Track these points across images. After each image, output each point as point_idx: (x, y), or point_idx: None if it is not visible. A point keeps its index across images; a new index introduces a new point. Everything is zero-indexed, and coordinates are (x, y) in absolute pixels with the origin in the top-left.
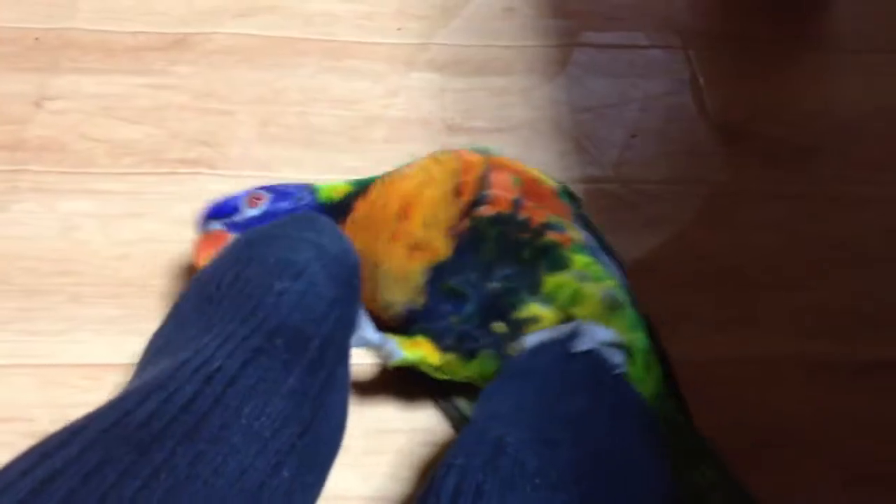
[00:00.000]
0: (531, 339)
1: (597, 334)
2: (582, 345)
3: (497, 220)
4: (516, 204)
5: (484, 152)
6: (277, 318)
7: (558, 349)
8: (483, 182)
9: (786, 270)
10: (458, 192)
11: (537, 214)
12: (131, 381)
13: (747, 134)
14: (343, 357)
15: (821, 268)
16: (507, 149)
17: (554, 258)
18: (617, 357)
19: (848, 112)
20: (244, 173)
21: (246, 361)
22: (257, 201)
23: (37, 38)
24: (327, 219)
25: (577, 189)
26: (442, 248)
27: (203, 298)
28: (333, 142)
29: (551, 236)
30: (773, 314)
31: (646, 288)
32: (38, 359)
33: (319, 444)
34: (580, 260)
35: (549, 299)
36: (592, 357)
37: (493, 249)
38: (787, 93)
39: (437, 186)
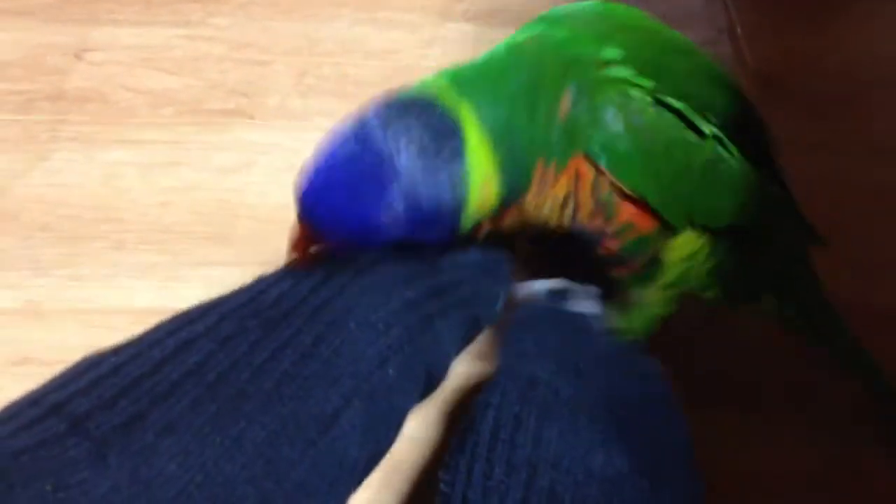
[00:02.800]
0: (535, 287)
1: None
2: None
3: None
4: None
5: None
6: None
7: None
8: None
9: (832, 220)
10: None
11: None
12: None
13: (787, 84)
14: (476, 308)
15: (865, 220)
16: None
17: None
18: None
19: (894, 60)
20: (281, 123)
21: (373, 261)
22: None
23: None
24: None
25: None
26: None
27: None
28: (368, 92)
29: None
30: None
31: None
32: (83, 303)
33: (420, 358)
34: None
35: None
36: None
37: None
38: (829, 42)
39: None
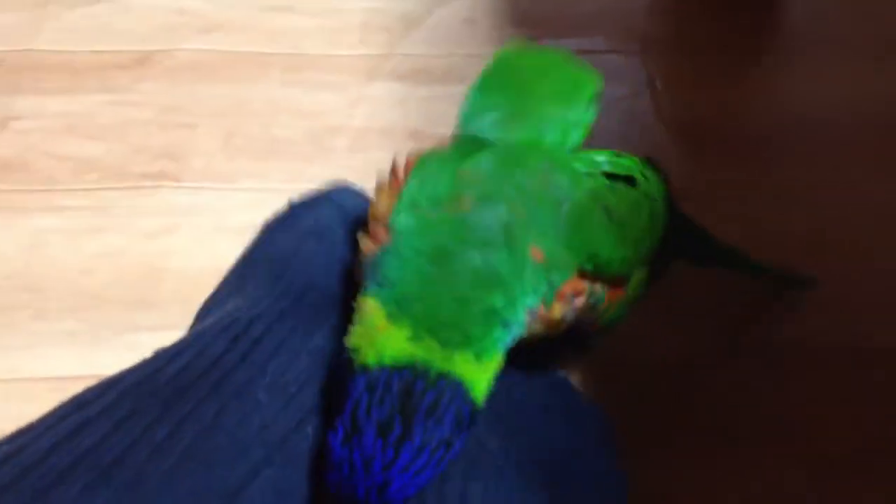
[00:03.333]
0: None
1: None
2: None
3: None
4: None
5: None
6: (305, 279)
7: None
8: None
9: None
10: None
11: None
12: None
13: (704, 135)
14: None
15: (781, 260)
16: None
17: None
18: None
19: (803, 111)
20: (207, 185)
21: (272, 322)
22: None
23: (0, 60)
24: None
25: None
26: None
27: (244, 264)
28: (297, 151)
29: None
30: (738, 307)
31: None
32: (4, 373)
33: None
34: None
35: None
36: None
37: None
38: (744, 94)
39: None
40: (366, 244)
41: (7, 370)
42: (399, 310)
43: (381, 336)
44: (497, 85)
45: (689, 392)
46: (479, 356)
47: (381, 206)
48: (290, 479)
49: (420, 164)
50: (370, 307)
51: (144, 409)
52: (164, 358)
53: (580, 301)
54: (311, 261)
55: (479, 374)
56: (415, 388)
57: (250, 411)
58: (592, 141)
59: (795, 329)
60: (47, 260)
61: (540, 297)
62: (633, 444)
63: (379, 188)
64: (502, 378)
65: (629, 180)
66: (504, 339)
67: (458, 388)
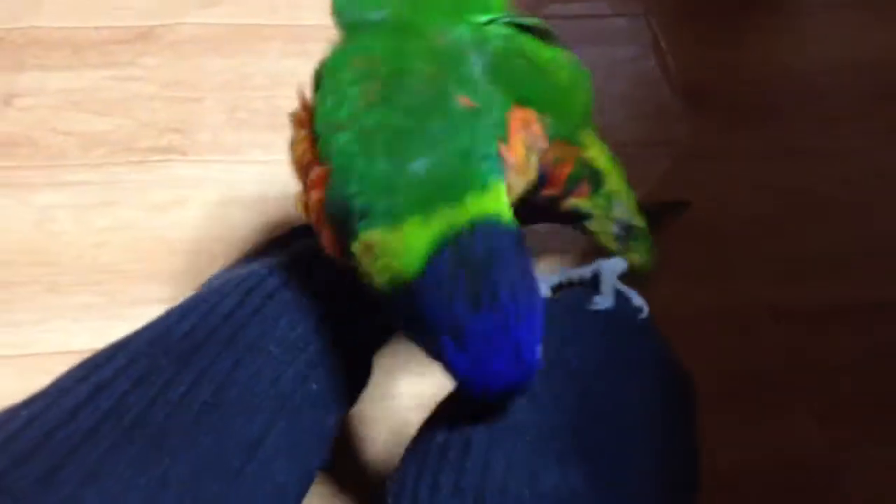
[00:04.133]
0: (552, 279)
1: (617, 266)
2: (604, 302)
3: None
4: None
5: None
6: (312, 251)
7: (579, 298)
8: None
9: (752, 222)
10: None
11: None
12: None
13: (709, 95)
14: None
15: (786, 218)
16: None
17: None
18: (637, 300)
19: (804, 70)
20: (214, 157)
21: (285, 280)
22: None
23: (2, 38)
24: None
25: None
26: None
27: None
28: None
29: None
30: (744, 264)
31: None
32: (19, 348)
33: (342, 363)
34: None
35: None
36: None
37: None
38: (746, 54)
39: None
40: (311, 197)
41: (21, 344)
42: (393, 219)
43: (402, 249)
44: None
45: None
46: (484, 188)
47: (299, 151)
48: (300, 431)
49: (318, 84)
50: (370, 243)
51: (160, 368)
52: (176, 315)
53: (536, 129)
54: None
55: (496, 203)
56: (464, 253)
57: (263, 364)
58: (600, 104)
59: (796, 289)
60: (58, 235)
61: (494, 136)
62: None
63: (294, 136)
64: (558, 337)
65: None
66: (493, 169)
67: (492, 226)
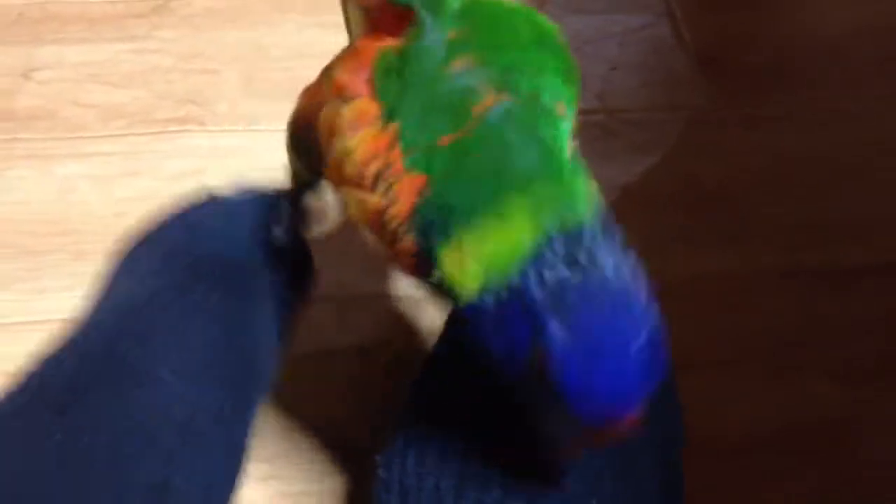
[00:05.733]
0: None
1: None
2: None
3: None
4: None
5: None
6: (199, 249)
7: None
8: None
9: (770, 188)
10: None
11: None
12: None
13: (725, 61)
14: (275, 280)
15: (803, 184)
16: None
17: None
18: None
19: (822, 34)
20: (232, 128)
21: (167, 297)
22: None
23: (20, 14)
24: None
25: None
26: None
27: (137, 244)
28: None
29: None
30: (760, 231)
31: (635, 211)
32: (47, 314)
33: (249, 371)
34: None
35: None
36: None
37: None
38: (762, 19)
39: None
40: (400, 206)
41: (47, 311)
42: (501, 215)
43: (506, 247)
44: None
45: None
46: (583, 185)
47: (362, 152)
48: (207, 459)
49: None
50: (467, 248)
51: (36, 423)
52: (53, 363)
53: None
54: (212, 233)
55: (583, 186)
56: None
57: (154, 394)
58: (615, 72)
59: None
60: (81, 205)
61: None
62: None
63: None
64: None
65: None
66: (580, 168)
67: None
